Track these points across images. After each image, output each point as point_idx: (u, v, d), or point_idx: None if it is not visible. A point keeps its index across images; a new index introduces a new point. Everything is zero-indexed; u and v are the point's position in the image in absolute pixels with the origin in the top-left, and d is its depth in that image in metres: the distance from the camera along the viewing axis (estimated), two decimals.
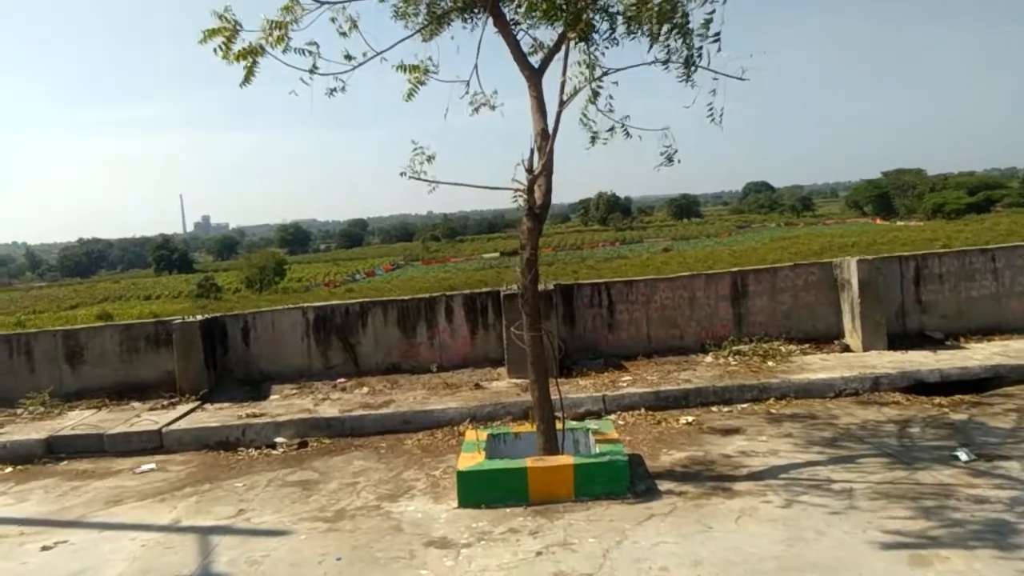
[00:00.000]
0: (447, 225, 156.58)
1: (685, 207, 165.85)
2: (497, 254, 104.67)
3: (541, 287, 9.52)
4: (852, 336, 9.52)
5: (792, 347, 9.51)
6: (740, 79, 5.67)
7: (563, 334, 9.54)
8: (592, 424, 6.80)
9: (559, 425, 6.28)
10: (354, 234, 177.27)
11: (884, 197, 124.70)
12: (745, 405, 8.01)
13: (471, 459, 6.00)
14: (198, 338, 9.32)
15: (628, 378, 8.82)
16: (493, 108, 6.48)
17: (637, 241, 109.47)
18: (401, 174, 6.19)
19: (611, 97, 6.04)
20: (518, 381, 9.07)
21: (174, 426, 8.17)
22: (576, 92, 5.80)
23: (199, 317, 9.60)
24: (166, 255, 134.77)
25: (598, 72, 5.87)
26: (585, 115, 6.18)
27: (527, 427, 6.87)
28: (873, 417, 7.32)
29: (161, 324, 9.80)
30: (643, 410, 8.03)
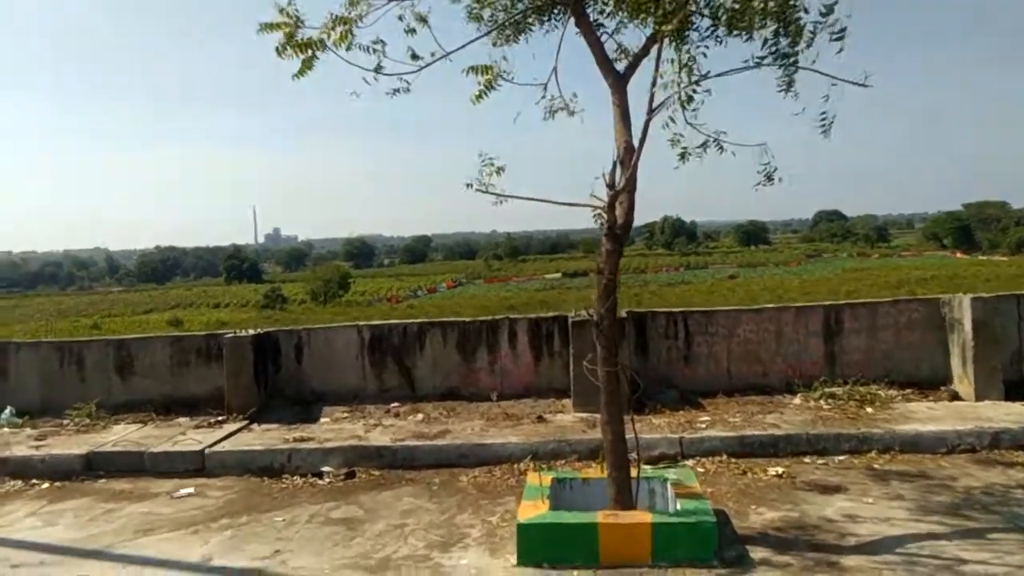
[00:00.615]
0: (510, 244, 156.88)
1: (752, 233, 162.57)
2: (559, 275, 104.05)
3: None
4: (962, 382, 8.48)
5: (892, 392, 8.52)
6: (862, 85, 4.89)
7: (635, 365, 8.77)
8: (671, 473, 6.01)
9: (633, 472, 5.53)
10: (418, 250, 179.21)
11: (965, 230, 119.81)
12: (843, 457, 7.09)
13: (533, 508, 5.29)
14: (249, 353, 8.88)
15: (707, 418, 7.98)
16: (572, 113, 5.84)
17: (702, 267, 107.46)
18: (468, 186, 5.59)
19: (701, 105, 5.29)
20: (585, 415, 8.33)
21: (218, 447, 7.70)
22: (669, 99, 5.08)
23: (250, 332, 9.16)
24: (236, 265, 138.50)
25: (695, 76, 5.14)
26: (672, 122, 5.42)
27: (596, 472, 6.13)
28: (998, 480, 6.33)
29: (212, 337, 9.42)
30: (725, 456, 7.19)
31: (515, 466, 7.20)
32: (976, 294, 8.48)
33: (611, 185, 5.44)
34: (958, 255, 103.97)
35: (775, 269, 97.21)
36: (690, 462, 7.13)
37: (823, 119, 5.07)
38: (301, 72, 5.37)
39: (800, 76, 5.37)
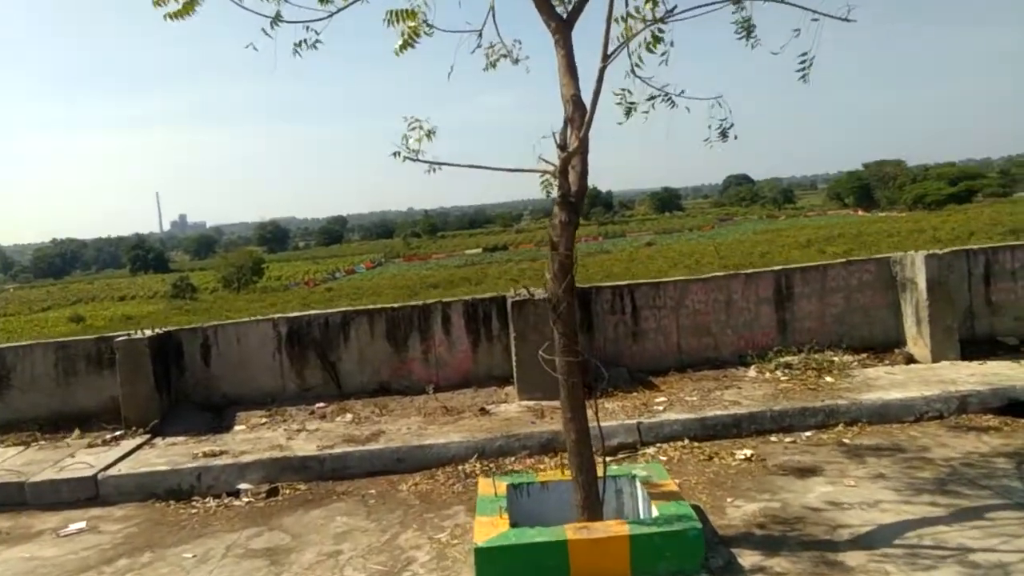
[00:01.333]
0: (427, 221, 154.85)
1: (667, 200, 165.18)
2: (480, 250, 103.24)
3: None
4: (916, 344, 8.18)
5: (848, 358, 8.15)
6: (845, 20, 4.27)
7: (581, 345, 8.10)
8: (639, 469, 5.38)
9: (599, 471, 4.86)
10: (333, 231, 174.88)
11: (865, 189, 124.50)
12: (809, 433, 6.63)
13: (491, 526, 4.55)
14: (147, 358, 7.78)
15: (663, 399, 7.41)
16: (516, 61, 5.04)
17: (619, 235, 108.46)
18: (394, 154, 4.75)
19: (670, 48, 4.58)
20: (530, 404, 7.64)
21: (113, 470, 6.65)
22: (630, 38, 4.32)
23: (147, 333, 8.04)
24: (141, 255, 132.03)
25: (658, 11, 4.40)
26: (637, 69, 4.70)
27: (556, 473, 5.44)
28: (976, 449, 5.96)
29: (104, 341, 8.24)
30: (687, 441, 6.63)
31: (460, 468, 6.45)
32: (929, 251, 8.14)
33: (562, 147, 4.69)
34: (859, 213, 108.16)
35: (690, 234, 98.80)
36: (651, 450, 6.54)
37: (802, 62, 4.45)
38: (182, 13, 4.39)
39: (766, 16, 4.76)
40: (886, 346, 8.42)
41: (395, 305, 8.77)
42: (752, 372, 8.07)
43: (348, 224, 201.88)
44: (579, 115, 4.78)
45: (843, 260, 8.78)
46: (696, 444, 6.55)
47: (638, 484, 5.10)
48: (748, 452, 6.23)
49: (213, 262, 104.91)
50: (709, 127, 5.15)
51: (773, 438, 6.60)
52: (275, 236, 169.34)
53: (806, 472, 5.78)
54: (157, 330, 8.21)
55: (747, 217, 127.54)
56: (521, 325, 7.84)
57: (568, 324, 4.76)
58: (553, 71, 4.79)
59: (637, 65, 4.75)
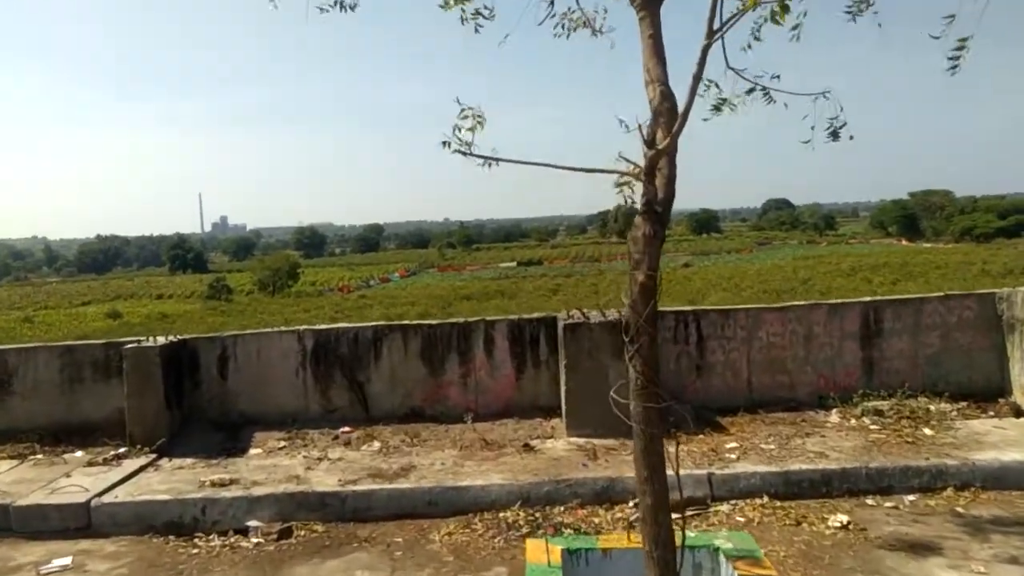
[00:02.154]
0: (463, 232, 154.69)
1: (704, 222, 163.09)
2: (514, 264, 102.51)
3: (608, 315, 7.18)
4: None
5: (945, 406, 7.11)
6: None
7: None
8: (721, 538, 4.44)
9: (676, 538, 3.94)
10: (370, 239, 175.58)
11: (910, 218, 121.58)
12: (913, 497, 5.63)
13: None
14: (157, 368, 7.03)
15: (734, 444, 6.45)
16: (597, 32, 4.18)
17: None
18: (444, 144, 3.93)
19: (802, 19, 3.69)
20: (580, 441, 6.73)
21: (109, 496, 5.88)
22: (752, 7, 3.41)
23: (160, 340, 7.30)
24: (181, 254, 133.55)
25: None
26: (749, 49, 3.80)
27: (620, 538, 4.54)
28: None
29: (112, 347, 7.52)
30: (767, 498, 5.67)
31: (501, 516, 5.57)
32: None
33: (650, 143, 3.82)
34: (903, 243, 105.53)
35: (728, 257, 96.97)
36: (724, 507, 5.59)
37: (959, 48, 3.52)
38: None
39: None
40: (988, 394, 7.37)
41: (432, 322, 7.93)
42: (834, 417, 7.07)
43: (384, 232, 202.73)
44: (667, 108, 3.93)
45: (941, 294, 7.74)
46: (779, 503, 5.59)
47: (722, 559, 4.18)
48: (844, 518, 5.25)
49: (250, 264, 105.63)
50: (812, 128, 4.26)
51: (870, 501, 5.61)
52: (312, 241, 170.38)
53: (920, 549, 4.80)
54: (171, 338, 7.46)
55: (786, 242, 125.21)
56: (573, 351, 6.95)
57: (649, 361, 3.86)
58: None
59: (752, 42, 3.85)
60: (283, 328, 8.10)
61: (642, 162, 3.83)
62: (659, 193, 3.89)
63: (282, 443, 7.08)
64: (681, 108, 3.78)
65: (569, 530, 5.25)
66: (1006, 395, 7.33)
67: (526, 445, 6.72)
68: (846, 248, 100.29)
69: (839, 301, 7.85)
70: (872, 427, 6.73)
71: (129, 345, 7.19)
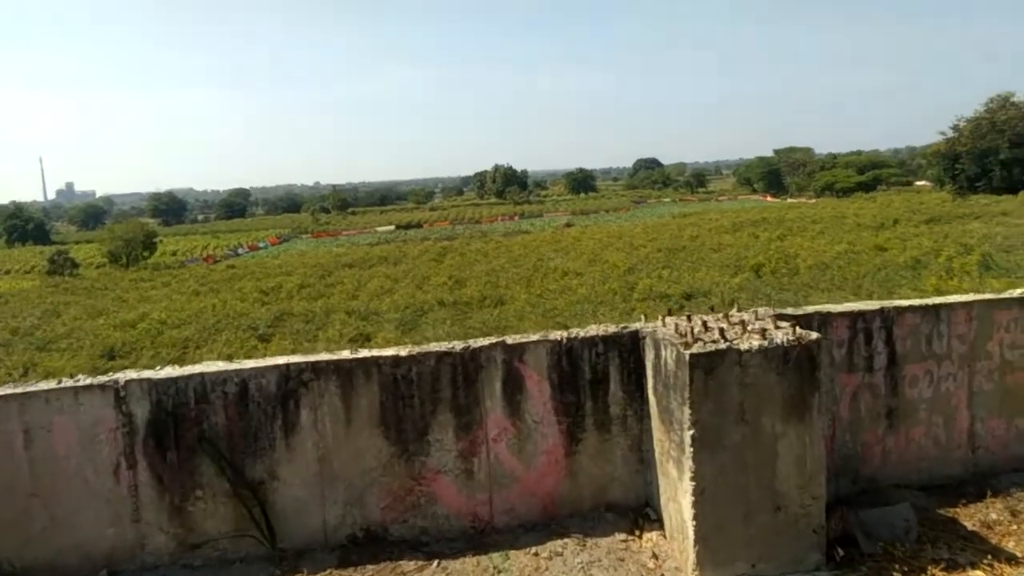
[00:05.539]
0: (337, 196, 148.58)
1: (581, 181, 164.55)
2: (392, 227, 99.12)
3: (771, 335, 4.14)
4: None
5: None
6: None
7: (791, 439, 4.21)
8: None
9: None
10: (236, 204, 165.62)
11: (775, 175, 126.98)
12: None
13: None
14: None
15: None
16: None
17: (536, 215, 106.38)
18: None
19: None
20: None
21: None
22: None
23: None
24: (19, 225, 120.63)
25: None
26: None
27: None
28: None
29: None
30: None
31: None
32: None
33: None
34: (768, 198, 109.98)
35: (608, 216, 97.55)
36: None
37: None
38: None
39: None
40: None
41: (402, 352, 4.57)
42: None
43: (251, 197, 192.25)
44: None
45: None
46: None
47: None
48: None
49: (100, 235, 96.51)
50: None
51: None
52: (171, 208, 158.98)
53: None
54: None
55: (660, 200, 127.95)
56: (711, 409, 4.07)
57: None
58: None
59: None
60: (84, 380, 4.45)
61: None
62: None
63: None
64: None
65: None
66: None
67: None
68: (716, 204, 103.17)
69: None
70: None
71: None
